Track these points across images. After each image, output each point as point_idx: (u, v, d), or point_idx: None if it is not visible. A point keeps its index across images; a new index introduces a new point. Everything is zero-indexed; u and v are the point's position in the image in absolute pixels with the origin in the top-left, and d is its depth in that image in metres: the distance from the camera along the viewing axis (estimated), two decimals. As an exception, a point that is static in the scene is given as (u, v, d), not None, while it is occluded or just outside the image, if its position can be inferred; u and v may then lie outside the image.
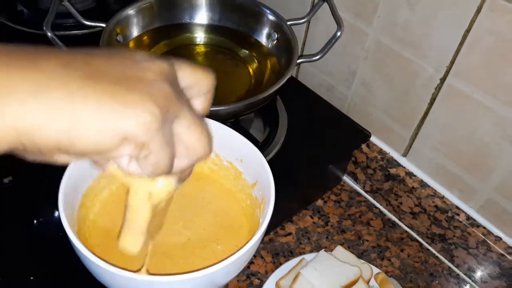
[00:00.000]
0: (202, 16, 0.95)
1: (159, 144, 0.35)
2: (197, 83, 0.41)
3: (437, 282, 0.84)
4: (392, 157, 0.90)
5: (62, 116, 0.31)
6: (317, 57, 0.83)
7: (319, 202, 0.93)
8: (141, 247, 0.46)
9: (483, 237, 0.81)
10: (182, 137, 0.37)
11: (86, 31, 0.99)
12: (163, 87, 0.35)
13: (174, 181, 0.42)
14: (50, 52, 0.33)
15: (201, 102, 0.42)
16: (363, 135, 0.92)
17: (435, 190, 0.86)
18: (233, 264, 0.56)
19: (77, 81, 0.32)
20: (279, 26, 0.90)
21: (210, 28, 0.95)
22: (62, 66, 0.32)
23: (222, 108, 0.76)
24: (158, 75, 0.35)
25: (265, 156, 0.68)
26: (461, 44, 0.73)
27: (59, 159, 0.34)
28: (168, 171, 0.38)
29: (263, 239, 0.73)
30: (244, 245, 0.58)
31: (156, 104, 0.33)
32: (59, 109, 0.31)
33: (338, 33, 0.83)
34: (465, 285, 0.85)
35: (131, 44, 0.89)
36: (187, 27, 0.95)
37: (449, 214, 0.84)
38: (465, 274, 0.86)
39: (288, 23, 0.89)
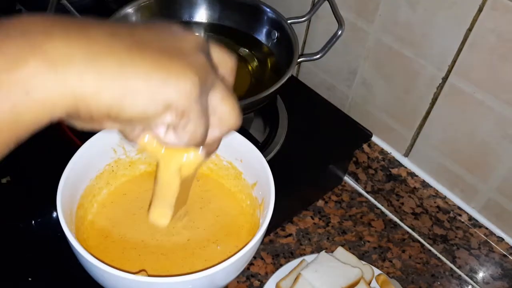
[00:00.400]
0: (201, 14, 0.94)
1: (197, 113, 0.36)
2: (223, 62, 0.41)
3: (439, 283, 0.84)
4: (393, 157, 0.90)
5: (115, 83, 0.33)
6: (318, 56, 0.83)
7: (320, 203, 0.92)
8: (170, 219, 0.48)
9: (485, 237, 0.81)
10: (216, 108, 0.38)
11: (85, 30, 0.98)
12: (200, 58, 0.37)
13: (203, 155, 0.44)
14: (96, 22, 0.35)
15: (225, 80, 0.42)
16: (364, 135, 0.92)
17: (437, 191, 0.85)
18: (233, 265, 0.56)
19: (125, 50, 0.33)
20: (279, 25, 0.89)
21: (210, 27, 0.95)
22: (110, 35, 0.34)
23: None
24: (195, 46, 0.37)
25: (265, 156, 0.68)
26: (462, 43, 0.72)
27: (106, 126, 0.36)
28: (203, 141, 0.39)
29: (263, 240, 0.72)
30: (244, 246, 0.58)
31: (196, 73, 0.35)
32: (112, 76, 0.33)
33: (339, 32, 0.82)
34: (467, 286, 0.85)
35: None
36: (186, 26, 0.94)
37: (451, 214, 0.83)
38: (467, 275, 0.86)
39: (289, 21, 0.88)
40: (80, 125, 0.36)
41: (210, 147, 0.43)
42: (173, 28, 0.39)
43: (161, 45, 0.36)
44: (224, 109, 0.39)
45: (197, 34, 0.40)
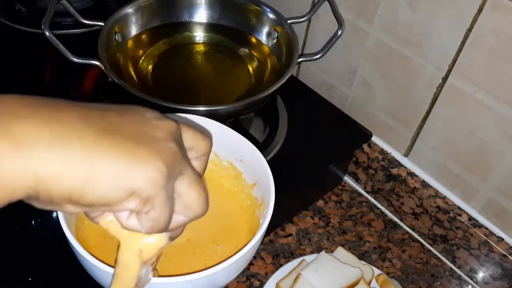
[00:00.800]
0: (201, 14, 0.94)
1: (162, 200, 0.36)
2: (197, 146, 0.43)
3: (438, 283, 0.84)
4: (393, 157, 0.90)
5: (80, 167, 0.33)
6: (318, 56, 0.83)
7: (320, 203, 0.92)
8: None
9: (485, 238, 0.80)
10: (182, 194, 0.39)
11: (84, 30, 0.99)
12: (171, 146, 0.37)
13: (166, 239, 0.43)
14: (68, 104, 0.35)
15: (198, 164, 0.44)
16: (364, 135, 0.91)
17: (437, 191, 0.85)
18: (233, 265, 0.56)
19: (94, 134, 0.34)
20: (279, 25, 0.89)
21: (210, 27, 0.95)
22: (81, 119, 0.34)
23: (222, 107, 0.75)
24: (167, 134, 0.38)
25: (265, 156, 0.68)
26: (462, 43, 0.72)
27: (66, 209, 0.35)
28: (165, 228, 0.39)
29: (263, 240, 0.72)
30: (244, 246, 0.58)
31: (164, 162, 0.35)
32: (76, 160, 0.33)
33: (339, 32, 0.82)
34: (467, 286, 0.85)
35: (130, 42, 0.88)
36: (186, 26, 0.94)
37: (451, 214, 0.83)
38: (467, 275, 0.86)
39: (289, 21, 0.88)
40: (39, 206, 0.35)
41: (174, 233, 0.43)
42: (148, 114, 0.39)
43: (132, 131, 0.36)
44: (191, 196, 0.39)
45: (171, 120, 0.40)
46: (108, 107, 0.37)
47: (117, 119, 0.36)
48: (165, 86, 0.85)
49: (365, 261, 0.81)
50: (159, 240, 0.43)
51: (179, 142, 0.39)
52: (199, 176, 0.41)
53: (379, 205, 0.94)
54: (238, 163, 0.71)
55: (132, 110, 0.39)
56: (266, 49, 0.91)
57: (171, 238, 0.44)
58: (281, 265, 0.80)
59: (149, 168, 0.35)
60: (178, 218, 0.40)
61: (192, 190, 0.39)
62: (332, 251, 0.81)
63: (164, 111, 0.71)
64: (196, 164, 0.44)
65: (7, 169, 0.31)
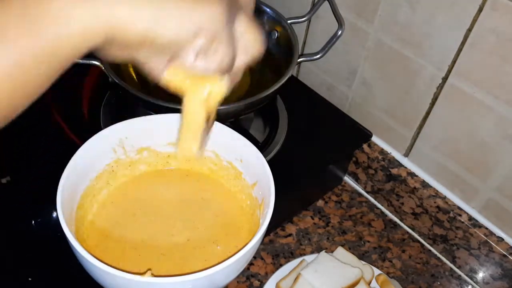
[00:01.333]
0: (201, 15, 0.94)
1: (226, 37, 0.39)
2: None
3: (438, 283, 0.84)
4: (393, 157, 0.90)
5: (149, 10, 0.35)
6: (318, 56, 0.83)
7: (320, 203, 0.92)
8: (199, 149, 0.50)
9: (485, 238, 0.80)
10: (241, 37, 0.41)
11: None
12: None
13: (227, 85, 0.45)
14: None
15: (246, 12, 0.44)
16: (364, 135, 0.91)
17: (437, 191, 0.85)
18: (233, 265, 0.56)
19: None
20: (279, 25, 0.89)
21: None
22: None
23: (222, 108, 0.74)
24: None
25: (265, 156, 0.68)
26: (463, 43, 0.72)
27: (139, 55, 0.38)
28: (230, 68, 0.41)
29: (263, 240, 0.72)
30: (244, 246, 0.58)
31: (221, 4, 0.38)
32: (145, 4, 0.35)
33: (339, 32, 0.82)
34: (467, 286, 0.85)
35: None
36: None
37: (451, 214, 0.83)
38: (467, 275, 0.85)
39: (289, 21, 0.88)
40: (115, 53, 0.38)
41: (234, 76, 0.45)
42: None
43: None
44: (249, 38, 0.42)
45: None
46: None
47: None
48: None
49: (365, 261, 0.81)
50: (221, 86, 0.45)
51: None
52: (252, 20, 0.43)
53: (379, 205, 0.94)
54: (238, 163, 0.71)
55: None
56: (266, 49, 0.91)
57: (232, 83, 0.45)
58: (281, 265, 0.80)
59: (212, 6, 0.37)
60: (239, 60, 0.42)
61: (249, 32, 0.41)
62: (332, 251, 0.81)
63: (164, 111, 0.72)
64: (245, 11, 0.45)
65: (82, 18, 0.34)
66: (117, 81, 0.74)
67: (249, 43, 0.42)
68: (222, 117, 0.74)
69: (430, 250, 0.88)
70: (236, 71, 0.43)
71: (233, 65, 0.41)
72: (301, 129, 0.90)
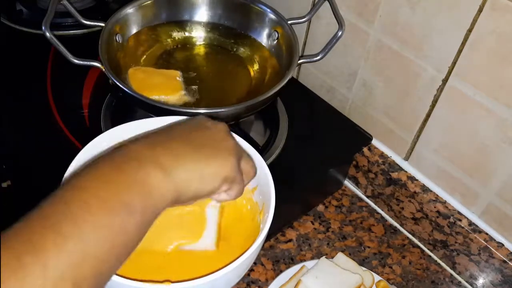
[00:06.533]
0: (202, 15, 0.94)
1: (239, 178, 0.55)
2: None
3: (439, 289, 0.84)
4: (393, 161, 0.89)
5: (197, 177, 0.50)
6: (318, 57, 0.82)
7: (320, 207, 0.92)
8: None
9: (485, 243, 0.80)
10: (243, 169, 0.56)
11: (85, 30, 0.98)
12: (231, 141, 0.56)
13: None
14: (172, 136, 0.53)
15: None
16: (365, 138, 0.91)
17: (437, 195, 0.85)
18: (233, 271, 0.56)
19: (194, 152, 0.51)
20: (279, 25, 0.88)
21: (210, 27, 0.94)
22: (183, 145, 0.52)
23: (222, 110, 0.75)
24: (224, 133, 0.57)
25: (265, 160, 0.67)
26: (463, 44, 0.72)
27: (189, 203, 0.52)
28: (241, 193, 0.57)
29: (263, 245, 0.72)
30: (245, 252, 0.57)
31: (234, 154, 0.54)
32: (193, 173, 0.50)
33: (339, 33, 0.81)
34: (467, 293, 0.84)
35: (130, 43, 0.88)
36: (187, 26, 0.94)
37: (451, 219, 0.83)
38: (467, 282, 0.85)
39: (289, 22, 0.87)
40: (177, 205, 0.50)
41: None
42: (204, 122, 0.58)
43: (208, 141, 0.54)
44: (247, 167, 0.57)
45: (216, 122, 0.59)
46: (184, 127, 0.56)
47: (195, 135, 0.54)
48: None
49: (365, 267, 0.81)
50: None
51: (232, 135, 0.58)
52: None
53: (379, 210, 0.94)
54: (238, 167, 0.71)
55: (195, 122, 0.58)
56: (266, 50, 0.91)
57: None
58: (281, 271, 0.80)
59: (229, 162, 0.53)
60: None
61: (246, 164, 0.57)
62: (332, 257, 0.81)
63: (164, 113, 0.71)
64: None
65: (163, 190, 0.47)
66: (117, 82, 0.74)
67: (247, 171, 0.57)
68: (222, 119, 0.74)
69: (430, 256, 0.88)
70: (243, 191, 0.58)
71: (243, 191, 0.57)
72: (301, 132, 0.89)
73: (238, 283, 0.73)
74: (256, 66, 0.90)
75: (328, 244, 0.86)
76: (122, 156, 0.47)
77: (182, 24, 0.94)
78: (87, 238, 0.40)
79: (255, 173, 0.60)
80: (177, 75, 0.85)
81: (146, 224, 0.45)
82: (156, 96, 0.80)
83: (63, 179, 0.58)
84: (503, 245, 0.79)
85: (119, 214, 0.42)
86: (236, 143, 0.57)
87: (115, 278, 0.52)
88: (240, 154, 0.56)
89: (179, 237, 0.68)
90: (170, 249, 0.67)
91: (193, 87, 0.85)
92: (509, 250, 0.79)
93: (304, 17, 0.89)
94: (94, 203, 0.42)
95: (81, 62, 0.75)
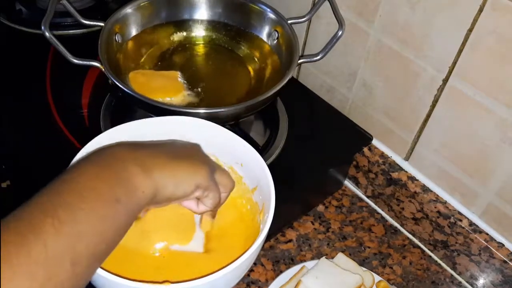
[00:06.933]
0: (201, 14, 0.94)
1: (214, 186, 0.59)
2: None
3: (439, 290, 0.83)
4: (394, 161, 0.89)
5: (172, 181, 0.54)
6: (318, 57, 0.82)
7: (320, 208, 0.92)
8: None
9: (486, 243, 0.80)
10: (219, 180, 0.61)
11: (84, 30, 0.98)
12: (203, 156, 0.64)
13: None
14: (154, 147, 0.58)
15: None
16: (365, 138, 0.91)
17: (437, 195, 0.85)
18: (233, 272, 0.56)
19: (173, 160, 0.56)
20: (280, 25, 0.88)
21: (210, 27, 0.94)
22: (162, 153, 0.57)
23: (222, 110, 0.75)
24: (196, 150, 0.64)
25: (265, 160, 0.67)
26: (463, 44, 0.72)
27: (161, 205, 0.56)
28: (219, 203, 0.62)
29: (263, 246, 0.72)
30: (245, 252, 0.57)
31: (207, 165, 0.59)
32: (170, 176, 0.54)
33: (339, 33, 0.81)
34: (468, 293, 0.84)
35: (130, 43, 0.87)
36: (186, 26, 0.94)
37: (452, 220, 0.83)
38: (467, 282, 0.85)
39: (289, 21, 0.87)
40: (150, 206, 0.54)
41: (221, 204, 0.64)
42: (180, 142, 0.67)
43: (183, 153, 0.59)
44: (223, 179, 0.62)
45: (192, 143, 0.67)
46: (163, 144, 0.63)
47: (173, 149, 0.61)
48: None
49: (365, 268, 0.80)
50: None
51: (203, 152, 0.66)
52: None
53: (379, 210, 0.93)
54: (239, 167, 0.71)
55: (180, 145, 0.66)
56: (266, 49, 0.91)
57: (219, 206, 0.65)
58: (281, 272, 0.80)
59: (202, 170, 0.57)
60: (222, 196, 0.62)
61: (221, 176, 0.62)
62: (332, 257, 0.81)
63: (164, 113, 0.71)
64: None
65: (144, 188, 0.51)
66: (117, 82, 0.73)
67: (224, 183, 0.62)
68: (222, 119, 0.74)
69: (430, 256, 0.88)
70: (222, 201, 0.63)
71: (220, 201, 0.62)
72: (301, 132, 0.89)
73: (238, 284, 0.72)
74: (256, 66, 0.90)
75: (328, 244, 0.86)
76: (108, 156, 0.52)
77: (182, 24, 0.93)
78: (82, 223, 0.44)
79: (233, 184, 0.64)
80: (177, 76, 0.85)
81: (131, 216, 0.50)
82: (161, 98, 0.80)
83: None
84: (503, 245, 0.79)
85: (110, 204, 0.47)
86: (210, 159, 0.64)
87: (115, 278, 0.52)
88: (214, 167, 0.61)
89: (170, 239, 0.68)
90: (160, 249, 0.67)
91: (194, 87, 0.85)
92: (509, 250, 0.79)
93: (304, 16, 0.89)
94: (87, 194, 0.47)
95: (81, 62, 0.75)
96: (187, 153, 0.61)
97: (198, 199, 0.60)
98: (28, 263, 0.40)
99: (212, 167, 0.60)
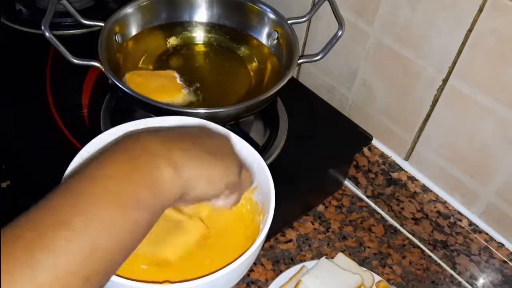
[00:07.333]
0: (201, 14, 0.94)
1: (239, 185, 0.57)
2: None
3: (439, 290, 0.83)
4: (394, 161, 0.89)
5: (204, 179, 0.51)
6: (318, 57, 0.82)
7: (320, 208, 0.92)
8: None
9: (486, 243, 0.80)
10: (243, 178, 0.58)
11: (84, 30, 0.98)
12: (234, 153, 0.58)
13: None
14: (186, 140, 0.53)
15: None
16: (365, 138, 0.91)
17: (437, 195, 0.85)
18: (233, 271, 0.56)
19: (206, 154, 0.52)
20: (279, 25, 0.88)
21: (210, 27, 0.94)
22: (198, 150, 0.52)
23: (222, 110, 0.75)
24: (229, 145, 0.59)
25: (265, 160, 0.67)
26: (463, 44, 0.72)
27: (191, 204, 0.54)
28: (239, 200, 0.60)
29: (263, 246, 0.72)
30: (244, 252, 0.57)
31: (237, 164, 0.56)
32: (201, 174, 0.51)
33: (339, 33, 0.81)
34: (468, 293, 0.84)
35: (130, 43, 0.87)
36: (186, 26, 0.94)
37: (451, 220, 0.83)
38: (467, 282, 0.85)
39: (289, 22, 0.87)
40: (180, 205, 0.52)
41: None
42: (211, 131, 0.64)
43: (214, 148, 0.55)
44: (246, 177, 0.60)
45: (222, 132, 0.66)
46: (195, 134, 0.58)
47: (206, 142, 0.55)
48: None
49: (365, 268, 0.81)
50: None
51: (234, 147, 0.61)
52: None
53: (379, 210, 0.93)
54: (239, 167, 0.70)
55: (212, 135, 0.61)
56: (266, 50, 0.91)
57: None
58: (281, 272, 0.80)
59: (232, 170, 0.55)
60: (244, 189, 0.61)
61: (245, 173, 0.60)
62: (332, 257, 0.81)
63: (164, 113, 0.71)
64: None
65: (172, 187, 0.47)
66: (117, 82, 0.73)
67: (246, 180, 0.60)
68: (222, 119, 0.73)
69: (430, 256, 0.88)
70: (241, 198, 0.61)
71: (241, 198, 0.60)
72: (301, 132, 0.89)
73: (238, 284, 0.72)
74: (256, 66, 0.90)
75: (328, 244, 0.86)
76: (135, 148, 0.47)
77: (181, 24, 0.93)
78: (98, 233, 0.40)
79: (252, 182, 0.64)
80: (174, 75, 0.85)
81: (154, 219, 0.46)
82: (161, 98, 0.80)
83: (63, 179, 0.58)
84: (503, 245, 0.79)
85: (131, 210, 0.43)
86: (238, 155, 0.60)
87: (115, 278, 0.52)
88: (241, 164, 0.58)
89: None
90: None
91: (193, 87, 0.85)
92: (509, 250, 0.79)
93: (304, 16, 0.89)
94: (105, 197, 0.42)
95: (81, 62, 0.75)
96: (219, 148, 0.56)
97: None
98: (39, 282, 0.36)
99: (240, 163, 0.58)
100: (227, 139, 0.61)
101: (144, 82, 0.82)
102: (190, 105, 0.82)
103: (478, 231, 0.81)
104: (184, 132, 0.58)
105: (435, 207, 0.84)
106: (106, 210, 0.41)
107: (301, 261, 0.83)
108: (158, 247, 0.62)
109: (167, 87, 0.83)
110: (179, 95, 0.83)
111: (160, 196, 0.46)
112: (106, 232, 0.41)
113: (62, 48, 0.74)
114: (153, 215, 0.45)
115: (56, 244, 0.38)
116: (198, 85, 0.85)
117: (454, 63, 0.74)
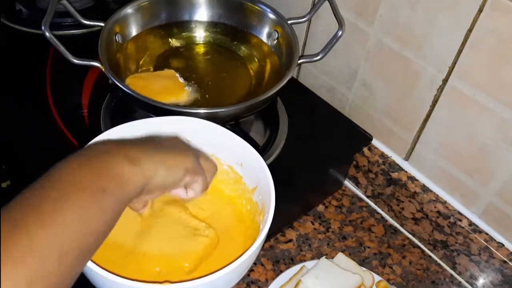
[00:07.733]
0: (201, 14, 0.94)
1: (201, 170, 0.61)
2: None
3: (439, 290, 0.83)
4: (394, 161, 0.89)
5: (163, 169, 0.55)
6: (318, 57, 0.82)
7: (320, 208, 0.92)
8: None
9: (485, 243, 0.80)
10: (203, 166, 0.62)
11: (84, 30, 0.99)
12: (188, 147, 0.64)
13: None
14: (143, 142, 0.63)
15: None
16: (365, 138, 0.91)
17: (437, 195, 0.85)
18: (233, 271, 0.56)
19: (160, 153, 0.57)
20: (279, 25, 0.88)
21: (210, 27, 0.94)
22: (154, 147, 0.58)
23: (222, 110, 0.75)
24: (183, 143, 0.66)
25: (265, 160, 0.67)
26: (463, 44, 0.72)
27: (153, 195, 0.58)
28: (208, 186, 0.63)
29: (263, 245, 0.71)
30: (245, 252, 0.57)
31: (192, 153, 0.60)
32: (161, 165, 0.55)
33: (339, 33, 0.81)
34: (467, 293, 0.84)
35: (130, 43, 0.87)
36: (187, 26, 0.94)
37: (451, 220, 0.83)
38: (467, 282, 0.85)
39: (289, 22, 0.87)
40: (141, 197, 0.55)
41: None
42: (158, 137, 0.68)
43: (167, 144, 0.62)
44: (207, 164, 0.63)
45: (171, 136, 0.68)
46: (153, 141, 0.65)
47: (160, 142, 0.64)
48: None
49: (365, 267, 0.80)
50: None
51: (188, 145, 0.66)
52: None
53: (379, 210, 0.93)
54: (239, 167, 0.71)
55: (162, 139, 0.67)
56: (266, 50, 0.91)
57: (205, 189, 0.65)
58: (281, 272, 0.80)
59: (189, 157, 0.59)
60: (208, 179, 0.63)
61: (206, 161, 0.63)
62: (332, 257, 0.81)
63: (164, 113, 0.71)
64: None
65: (133, 177, 0.51)
66: (117, 82, 0.73)
67: (209, 168, 0.63)
68: (222, 119, 0.74)
69: (430, 256, 0.88)
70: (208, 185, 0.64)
71: (208, 185, 0.63)
72: (301, 132, 0.89)
73: (238, 283, 0.72)
74: (256, 66, 0.90)
75: (328, 244, 0.86)
76: (95, 150, 0.53)
77: (182, 25, 0.94)
78: (66, 214, 0.44)
79: (216, 169, 0.66)
80: (174, 75, 0.85)
81: (121, 206, 0.50)
82: (165, 100, 0.80)
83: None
84: (503, 245, 0.79)
85: (96, 196, 0.47)
86: (192, 146, 0.66)
87: (115, 278, 0.52)
88: (198, 153, 0.63)
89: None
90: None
91: (194, 86, 0.85)
92: (509, 250, 0.79)
93: (304, 17, 0.89)
94: (72, 186, 0.47)
95: (81, 62, 0.75)
96: (170, 143, 0.63)
97: (185, 187, 0.60)
98: (14, 256, 0.39)
99: (196, 152, 0.62)
100: (176, 137, 0.67)
101: (146, 85, 0.82)
102: (196, 102, 0.82)
103: (478, 231, 0.81)
104: (135, 140, 0.64)
105: (435, 207, 0.84)
106: (72, 195, 0.46)
107: (301, 261, 0.83)
108: (174, 253, 0.65)
109: (170, 87, 0.83)
110: (183, 93, 0.83)
111: (123, 185, 0.50)
112: (74, 213, 0.45)
113: (62, 48, 0.74)
114: (119, 202, 0.50)
115: (27, 222, 0.42)
116: (199, 85, 0.85)
117: (454, 63, 0.74)
